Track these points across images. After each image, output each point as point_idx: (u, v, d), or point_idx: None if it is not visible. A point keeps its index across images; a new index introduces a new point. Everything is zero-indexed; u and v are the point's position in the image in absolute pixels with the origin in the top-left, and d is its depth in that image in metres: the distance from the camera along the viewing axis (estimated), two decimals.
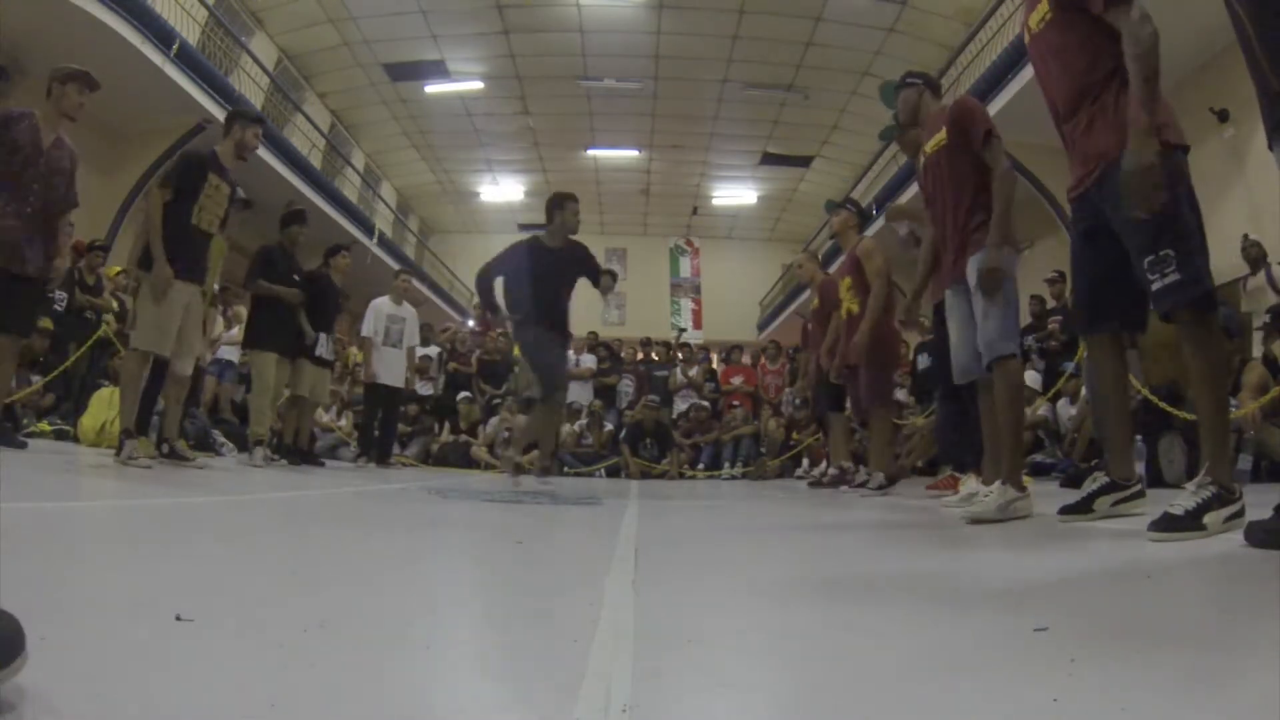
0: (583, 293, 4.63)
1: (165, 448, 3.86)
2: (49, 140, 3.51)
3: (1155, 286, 1.85)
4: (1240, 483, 1.84)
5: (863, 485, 4.44)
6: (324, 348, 5.59)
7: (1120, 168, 1.79)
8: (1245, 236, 6.27)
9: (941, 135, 2.90)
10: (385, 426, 6.42)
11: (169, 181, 3.85)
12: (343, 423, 8.10)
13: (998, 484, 2.57)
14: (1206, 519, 1.71)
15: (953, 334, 3.00)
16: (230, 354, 7.31)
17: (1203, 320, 1.85)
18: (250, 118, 4.21)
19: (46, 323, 6.19)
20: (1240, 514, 1.73)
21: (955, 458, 5.37)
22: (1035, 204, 8.36)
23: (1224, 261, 6.77)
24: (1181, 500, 1.76)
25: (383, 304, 6.37)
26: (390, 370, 6.26)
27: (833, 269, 6.23)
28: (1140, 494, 2.21)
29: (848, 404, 4.85)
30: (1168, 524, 1.72)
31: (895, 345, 4.30)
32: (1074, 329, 3.40)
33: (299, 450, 5.62)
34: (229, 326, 7.26)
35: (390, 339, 6.29)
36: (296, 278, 5.27)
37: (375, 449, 6.36)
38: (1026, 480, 2.97)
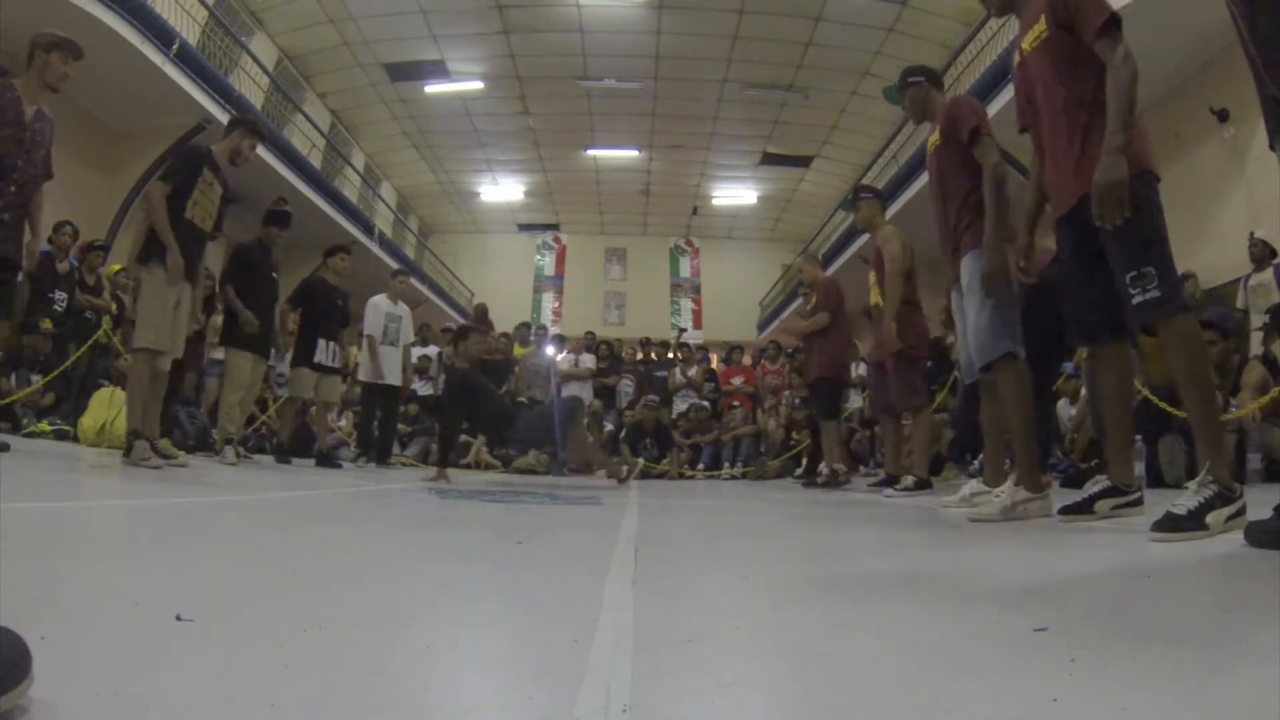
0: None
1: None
2: (30, 112, 3.40)
3: (1136, 300, 1.92)
4: (1252, 483, 1.85)
5: (890, 485, 4.27)
6: (324, 354, 5.57)
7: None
8: (1251, 235, 6.25)
9: (937, 134, 2.91)
10: (384, 426, 6.42)
11: (169, 176, 3.83)
12: (343, 423, 8.10)
13: (1008, 484, 2.55)
14: (1209, 518, 1.72)
15: (959, 334, 3.00)
16: None
17: (1180, 323, 1.91)
18: (252, 129, 4.20)
19: (46, 324, 6.19)
20: (1241, 513, 1.74)
21: (960, 454, 5.35)
22: None
23: (1223, 261, 6.78)
24: (1184, 500, 1.76)
25: (381, 301, 6.39)
26: (387, 369, 6.28)
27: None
28: (1139, 502, 2.21)
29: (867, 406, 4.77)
30: (1171, 524, 1.72)
31: (921, 340, 4.20)
32: (1072, 343, 3.40)
33: (315, 451, 5.62)
34: None
35: (388, 337, 6.31)
36: (274, 275, 5.19)
37: (375, 449, 6.36)
38: (1048, 481, 2.93)
